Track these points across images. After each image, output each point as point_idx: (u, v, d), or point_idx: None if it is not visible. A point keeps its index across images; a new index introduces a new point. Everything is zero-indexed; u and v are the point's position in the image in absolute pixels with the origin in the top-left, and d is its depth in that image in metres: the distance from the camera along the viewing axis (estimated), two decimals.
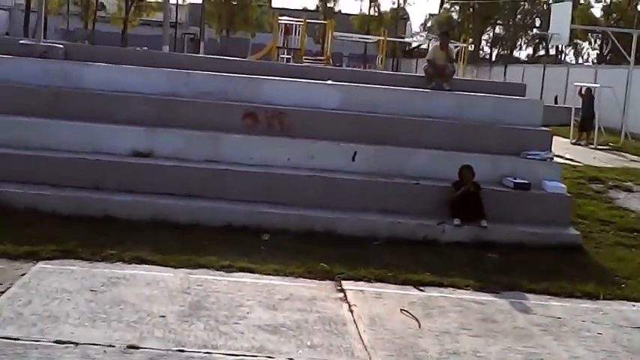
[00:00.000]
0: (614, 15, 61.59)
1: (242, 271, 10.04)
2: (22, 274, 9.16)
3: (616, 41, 32.29)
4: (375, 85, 14.86)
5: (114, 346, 7.30)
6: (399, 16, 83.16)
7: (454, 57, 16.16)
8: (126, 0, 68.15)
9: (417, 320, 8.77)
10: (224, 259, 10.26)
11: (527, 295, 10.11)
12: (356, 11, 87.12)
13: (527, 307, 9.63)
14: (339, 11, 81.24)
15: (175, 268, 9.91)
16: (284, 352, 7.53)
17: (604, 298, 10.23)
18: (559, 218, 12.92)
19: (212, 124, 13.59)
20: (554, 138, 15.23)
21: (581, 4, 56.55)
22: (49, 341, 7.28)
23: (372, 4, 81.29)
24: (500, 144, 13.81)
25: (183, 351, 7.34)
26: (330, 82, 14.50)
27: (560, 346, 8.40)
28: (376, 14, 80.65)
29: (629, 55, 28.71)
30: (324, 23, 48.51)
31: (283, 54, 40.75)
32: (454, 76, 15.55)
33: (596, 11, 64.74)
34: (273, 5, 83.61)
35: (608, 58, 57.53)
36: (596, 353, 8.27)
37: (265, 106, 13.84)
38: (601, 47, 59.37)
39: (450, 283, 10.21)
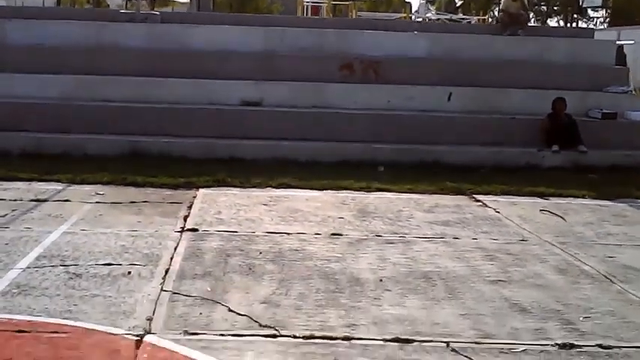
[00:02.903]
0: None
1: (380, 190, 10.99)
2: (193, 197, 10.11)
3: None
4: (459, 33, 15.79)
5: (319, 234, 8.30)
6: None
7: (527, 5, 17.09)
8: None
9: (560, 217, 9.74)
10: (359, 183, 11.20)
11: None
12: None
13: None
14: None
15: (320, 190, 10.86)
16: (465, 235, 8.52)
17: None
18: None
19: (311, 75, 14.52)
20: None
21: None
22: (264, 233, 8.25)
23: None
24: (582, 81, 14.80)
25: (380, 236, 8.32)
26: (416, 32, 15.45)
27: None
28: None
29: None
30: (348, 4, 49.38)
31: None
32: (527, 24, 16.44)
33: None
34: None
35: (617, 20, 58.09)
36: None
37: (360, 57, 14.75)
38: (612, 13, 60.14)
39: (568, 194, 11.17)
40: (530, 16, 16.35)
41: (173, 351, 4.97)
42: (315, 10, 39.70)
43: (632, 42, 28.88)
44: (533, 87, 14.66)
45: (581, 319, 5.85)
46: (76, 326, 5.33)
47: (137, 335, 5.21)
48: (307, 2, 39.85)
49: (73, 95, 13.66)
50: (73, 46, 14.46)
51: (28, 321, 5.39)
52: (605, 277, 7.05)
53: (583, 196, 11.13)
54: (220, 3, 68.82)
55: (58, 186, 10.43)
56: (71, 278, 6.41)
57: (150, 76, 14.21)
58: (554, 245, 8.15)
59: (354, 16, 43.44)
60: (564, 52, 15.47)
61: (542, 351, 5.20)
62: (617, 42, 28.85)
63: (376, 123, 13.67)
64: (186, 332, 5.29)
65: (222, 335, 5.26)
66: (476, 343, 5.29)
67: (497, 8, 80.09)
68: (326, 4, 40.75)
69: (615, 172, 12.78)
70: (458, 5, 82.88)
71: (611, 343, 5.39)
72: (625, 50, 28.23)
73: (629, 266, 7.41)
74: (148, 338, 5.18)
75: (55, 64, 14.00)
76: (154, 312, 5.67)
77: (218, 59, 14.69)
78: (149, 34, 15.01)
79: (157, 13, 15.81)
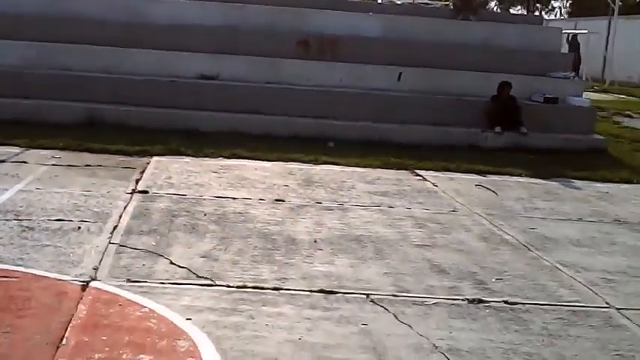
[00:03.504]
0: None
1: (327, 163, 11.50)
2: (147, 163, 10.56)
3: None
4: (413, 16, 16.32)
5: (264, 199, 8.80)
6: None
7: None
8: None
9: (493, 191, 10.34)
10: (308, 156, 11.71)
11: (573, 180, 11.66)
12: None
13: (578, 186, 11.25)
14: None
15: (270, 161, 11.33)
16: (400, 205, 9.08)
17: (638, 182, 11.80)
18: (585, 127, 14.58)
19: (268, 51, 14.96)
20: None
21: None
22: (211, 197, 8.74)
23: None
24: (528, 66, 15.40)
25: (320, 203, 8.85)
26: (371, 13, 15.96)
27: (616, 206, 10.02)
28: None
29: (614, 4, 30.53)
30: None
31: None
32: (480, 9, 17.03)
33: None
34: None
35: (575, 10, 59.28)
36: None
37: (316, 34, 15.23)
38: (575, 3, 61.11)
39: (505, 172, 11.79)
40: (484, 1, 16.86)
41: (116, 294, 5.45)
42: None
43: (585, 31, 29.67)
44: (482, 70, 15.20)
45: (493, 280, 6.40)
46: (26, 272, 5.78)
47: (83, 281, 5.68)
48: None
49: (33, 62, 13.99)
50: (35, 14, 14.73)
51: None
52: (524, 245, 7.62)
53: (519, 175, 11.66)
54: None
55: (16, 149, 10.79)
56: (24, 231, 6.85)
57: (111, 46, 14.49)
58: (481, 216, 8.72)
59: None
60: (513, 38, 16.07)
61: (452, 304, 5.74)
62: (571, 31, 29.70)
63: (328, 100, 14.13)
64: (129, 280, 5.77)
65: (162, 283, 5.74)
66: (393, 295, 5.83)
67: None
68: None
69: (553, 153, 13.42)
70: None
71: (517, 300, 5.93)
72: (579, 39, 29.07)
73: (548, 237, 8.01)
74: (93, 284, 5.65)
75: (16, 32, 14.25)
76: (100, 262, 6.14)
77: (178, 33, 15.06)
78: (110, 6, 15.29)
79: None
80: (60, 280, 5.69)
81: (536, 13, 56.73)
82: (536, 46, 16.06)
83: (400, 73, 14.79)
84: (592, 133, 14.58)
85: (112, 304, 5.27)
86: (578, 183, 11.43)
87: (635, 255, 7.57)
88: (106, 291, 5.50)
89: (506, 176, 11.58)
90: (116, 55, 14.35)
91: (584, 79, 28.77)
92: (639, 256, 7.58)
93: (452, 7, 16.90)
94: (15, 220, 7.17)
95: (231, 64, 14.63)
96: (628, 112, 20.45)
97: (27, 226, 6.98)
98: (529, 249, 7.49)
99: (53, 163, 10.08)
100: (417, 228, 7.96)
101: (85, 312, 5.10)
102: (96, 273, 5.88)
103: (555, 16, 58.54)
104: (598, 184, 11.48)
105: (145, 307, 5.25)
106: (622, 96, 27.34)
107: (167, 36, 14.92)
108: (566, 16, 58.92)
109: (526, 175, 11.68)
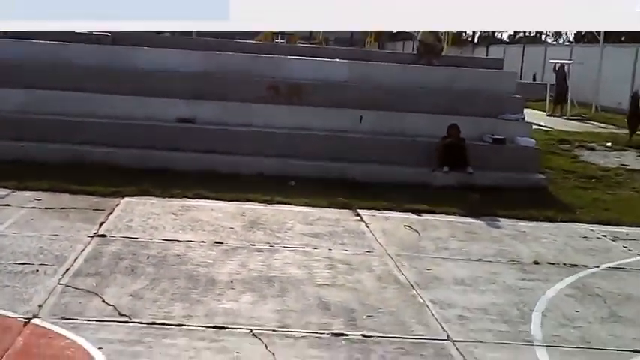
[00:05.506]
0: None
1: (280, 204, 12.97)
2: (116, 205, 12.10)
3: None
4: (377, 62, 17.86)
5: (205, 242, 10.30)
6: None
7: (441, 37, 19.21)
8: None
9: (417, 231, 11.80)
10: (265, 196, 13.18)
11: (501, 219, 13.06)
12: None
13: (500, 225, 12.64)
14: None
15: (228, 201, 12.83)
16: (324, 246, 10.55)
17: (560, 221, 13.19)
18: (529, 166, 15.99)
19: (241, 95, 16.53)
20: (532, 111, 18.26)
21: None
22: (160, 240, 10.27)
23: None
24: (482, 108, 16.85)
25: (254, 245, 10.35)
26: (338, 60, 17.51)
27: (523, 246, 11.42)
28: None
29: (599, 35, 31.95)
30: None
31: (277, 39, 43.71)
32: (442, 54, 18.53)
33: None
34: None
35: (584, 38, 60.74)
36: (550, 250, 11.28)
37: (285, 80, 16.79)
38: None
39: (441, 211, 13.18)
40: (443, 47, 18.37)
41: (49, 329, 6.98)
42: None
43: (570, 62, 30.99)
44: (440, 112, 16.65)
45: (364, 317, 7.88)
46: None
47: (26, 318, 7.21)
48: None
49: (27, 108, 15.60)
50: (32, 63, 16.40)
51: None
52: (411, 284, 9.08)
53: (453, 214, 13.10)
54: None
55: (3, 192, 12.35)
56: None
57: (98, 93, 16.12)
58: (390, 257, 10.19)
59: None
60: (471, 81, 17.52)
61: (316, 337, 7.23)
62: (557, 61, 31.02)
63: (293, 141, 15.65)
64: (63, 317, 7.29)
65: (88, 320, 7.26)
66: (273, 330, 7.32)
67: None
68: None
69: (495, 191, 14.76)
70: None
71: (373, 334, 7.41)
72: (566, 69, 30.37)
73: (438, 277, 9.45)
74: (34, 320, 7.18)
75: (13, 79, 15.92)
76: (45, 300, 7.68)
77: (159, 79, 16.65)
78: (99, 54, 16.95)
79: (109, 34, 17.70)
80: (9, 316, 7.22)
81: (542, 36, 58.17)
82: (491, 89, 17.48)
83: (361, 116, 16.26)
84: (537, 172, 15.93)
85: (44, 337, 6.80)
86: (503, 222, 12.80)
87: (505, 294, 8.97)
88: (42, 326, 7.02)
89: (441, 215, 12.98)
90: (101, 100, 15.94)
91: (570, 106, 30.15)
92: (508, 294, 8.96)
93: (416, 52, 18.28)
94: None
95: (207, 108, 16.20)
96: (592, 145, 21.71)
97: None
98: (413, 287, 8.93)
99: (33, 206, 11.63)
100: (327, 269, 9.43)
101: (21, 343, 6.63)
102: (40, 310, 7.40)
103: (562, 39, 59.85)
104: (521, 223, 12.82)
105: (69, 339, 6.77)
106: (602, 125, 28.56)
107: (150, 82, 16.49)
108: (572, 39, 60.19)
109: (458, 214, 13.05)
